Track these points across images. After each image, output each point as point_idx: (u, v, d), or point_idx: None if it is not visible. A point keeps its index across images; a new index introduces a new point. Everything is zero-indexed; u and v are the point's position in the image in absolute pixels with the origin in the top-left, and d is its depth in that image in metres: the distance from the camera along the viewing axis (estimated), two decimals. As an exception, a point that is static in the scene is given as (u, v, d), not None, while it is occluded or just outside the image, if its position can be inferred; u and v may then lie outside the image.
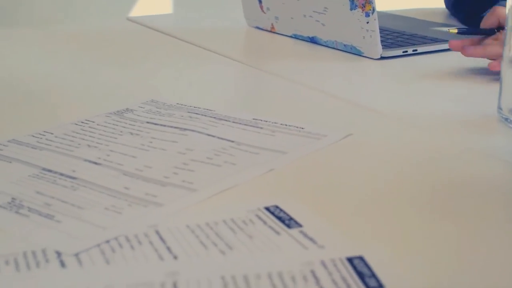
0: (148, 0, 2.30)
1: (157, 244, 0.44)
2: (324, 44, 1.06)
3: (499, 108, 0.69)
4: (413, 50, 0.99)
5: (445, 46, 1.01)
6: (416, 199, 0.52)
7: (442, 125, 0.69)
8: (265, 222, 0.47)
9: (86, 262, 0.42)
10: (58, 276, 0.40)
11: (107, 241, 0.44)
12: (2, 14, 2.08)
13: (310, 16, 1.06)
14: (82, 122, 0.68)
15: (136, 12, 2.25)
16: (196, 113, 0.70)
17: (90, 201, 0.50)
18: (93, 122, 0.68)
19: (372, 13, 0.94)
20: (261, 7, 1.17)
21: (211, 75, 0.92)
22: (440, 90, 0.83)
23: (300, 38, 1.11)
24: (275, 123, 0.68)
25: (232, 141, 0.63)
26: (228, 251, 0.43)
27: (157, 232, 0.45)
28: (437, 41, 1.02)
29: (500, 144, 0.65)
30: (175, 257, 0.42)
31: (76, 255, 0.42)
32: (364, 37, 0.96)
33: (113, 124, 0.67)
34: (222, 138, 0.63)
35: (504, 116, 0.68)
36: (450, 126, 0.69)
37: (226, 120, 0.68)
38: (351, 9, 0.97)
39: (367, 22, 0.95)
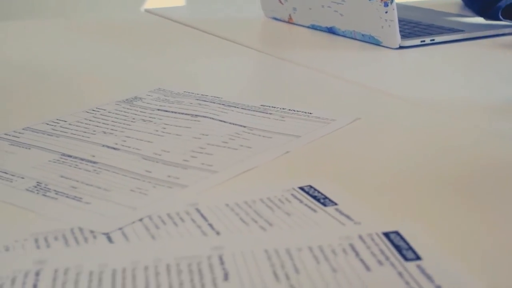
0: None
1: (199, 221, 0.46)
2: (342, 34, 1.07)
3: (521, 94, 0.70)
4: (431, 40, 1.00)
5: (462, 35, 1.02)
6: (441, 179, 0.54)
7: (463, 111, 0.70)
8: (301, 201, 0.49)
9: (132, 237, 0.43)
10: (107, 250, 0.42)
11: (150, 218, 0.46)
12: (26, 6, 2.10)
13: (329, 7, 1.07)
14: (93, 110, 0.69)
15: (149, 4, 2.26)
16: (205, 100, 0.72)
17: (115, 183, 0.52)
18: (104, 110, 0.70)
19: (391, 3, 0.95)
20: (279, -2, 1.19)
21: (229, 63, 0.94)
22: (460, 78, 0.85)
23: (318, 28, 1.13)
24: (283, 109, 0.69)
25: (244, 126, 0.64)
26: (268, 227, 0.45)
27: (198, 210, 0.47)
28: (454, 31, 1.04)
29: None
30: (218, 233, 0.44)
31: (120, 229, 0.44)
32: (382, 26, 0.98)
33: (124, 112, 0.69)
34: (234, 124, 0.65)
35: (525, 102, 0.70)
36: (471, 112, 0.70)
37: (235, 107, 0.70)
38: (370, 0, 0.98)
39: (386, 12, 0.96)
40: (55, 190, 0.51)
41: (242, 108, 0.70)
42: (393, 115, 0.70)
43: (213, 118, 0.66)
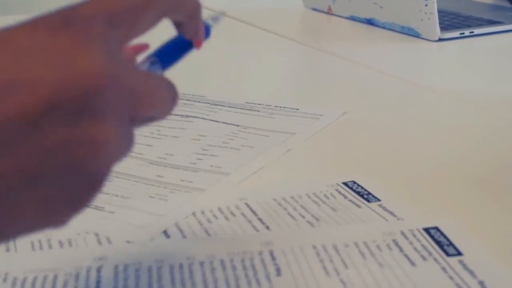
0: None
1: (249, 216, 0.48)
2: (382, 25, 1.08)
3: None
4: (470, 32, 1.01)
5: (501, 27, 1.03)
6: (477, 174, 0.55)
7: (500, 105, 0.71)
8: (345, 196, 0.51)
9: (188, 233, 0.46)
10: (164, 246, 0.45)
11: (203, 213, 0.48)
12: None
13: (368, -1, 1.08)
14: None
15: None
16: (188, 100, 0.72)
17: (131, 190, 0.52)
18: None
19: (431, -5, 0.96)
20: (318, -10, 1.20)
21: (268, 54, 0.96)
22: (498, 71, 0.85)
23: (357, 19, 1.14)
24: (269, 105, 0.70)
25: (238, 125, 0.65)
26: (316, 222, 0.47)
27: (248, 205, 0.50)
28: (492, 23, 1.04)
29: None
30: (268, 228, 0.46)
31: (177, 226, 0.47)
32: (422, 19, 0.99)
33: None
34: (227, 123, 0.66)
35: None
36: (509, 106, 0.71)
37: (221, 105, 0.70)
38: (409, -8, 0.99)
39: (426, 5, 0.97)
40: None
41: (229, 107, 0.70)
42: (431, 110, 0.72)
43: (204, 118, 0.67)
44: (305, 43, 1.03)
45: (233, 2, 1.40)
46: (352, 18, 1.15)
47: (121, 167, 0.53)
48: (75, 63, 0.27)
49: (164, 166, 0.56)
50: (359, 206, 0.49)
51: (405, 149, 0.61)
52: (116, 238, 0.45)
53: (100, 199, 0.49)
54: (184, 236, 0.46)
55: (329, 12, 1.21)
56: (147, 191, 0.52)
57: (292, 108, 0.69)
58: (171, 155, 0.58)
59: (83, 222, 0.45)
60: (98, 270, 0.41)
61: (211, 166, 0.56)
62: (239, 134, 0.63)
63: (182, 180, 0.54)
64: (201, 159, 0.58)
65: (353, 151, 0.61)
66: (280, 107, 0.70)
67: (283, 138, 0.63)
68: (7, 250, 0.44)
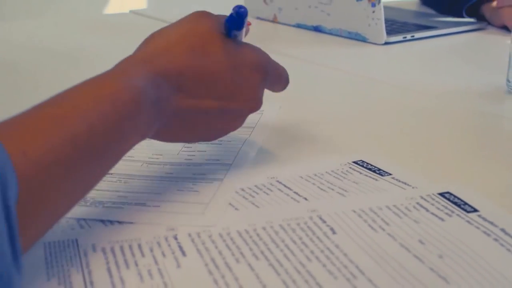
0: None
1: (285, 190, 0.54)
2: (329, 32, 1.17)
3: (508, 80, 0.82)
4: (411, 36, 1.11)
5: (436, 32, 1.14)
6: (463, 145, 0.64)
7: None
8: (360, 172, 0.58)
9: (239, 206, 0.52)
10: (229, 216, 0.50)
11: (243, 190, 0.54)
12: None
13: (316, 7, 1.17)
14: None
15: (110, 8, 2.31)
16: None
17: (157, 188, 0.54)
18: None
19: (378, 3, 1.06)
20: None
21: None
22: (436, 67, 0.96)
23: (303, 27, 1.22)
24: None
25: None
26: (345, 193, 0.54)
27: (279, 182, 0.56)
28: (428, 28, 1.16)
29: (506, 108, 0.78)
30: (306, 199, 0.53)
31: (230, 204, 0.52)
32: (369, 24, 1.08)
33: None
34: None
35: (511, 88, 0.81)
36: (461, 95, 0.81)
37: None
38: (357, 0, 1.08)
39: (373, 11, 1.07)
40: (112, 202, 0.52)
41: None
42: (379, 96, 0.81)
43: None
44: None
45: (175, 11, 1.45)
46: (299, 26, 1.23)
47: (128, 169, 0.58)
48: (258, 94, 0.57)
49: (165, 165, 0.59)
50: (376, 179, 0.56)
51: (383, 131, 0.69)
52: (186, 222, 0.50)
53: (132, 197, 0.53)
54: (236, 209, 0.51)
55: (274, 21, 1.29)
56: (173, 187, 0.55)
57: None
58: (161, 155, 0.62)
59: (140, 215, 0.50)
60: (175, 237, 0.47)
61: (207, 160, 0.60)
62: None
63: (194, 174, 0.57)
64: (193, 155, 0.61)
65: (331, 135, 0.69)
66: None
67: (248, 131, 0.68)
68: (90, 227, 0.48)
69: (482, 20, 1.24)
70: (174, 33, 0.53)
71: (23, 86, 0.89)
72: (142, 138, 0.49)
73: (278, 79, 0.60)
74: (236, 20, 0.54)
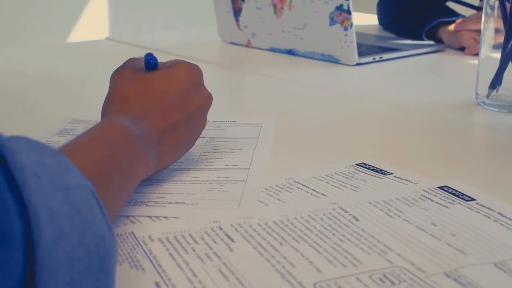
0: (84, 26, 2.41)
1: (304, 188, 0.61)
2: (302, 55, 1.25)
3: (476, 93, 0.91)
4: (380, 57, 1.20)
5: (402, 53, 1.24)
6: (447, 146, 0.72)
7: (428, 107, 0.90)
8: (365, 173, 0.65)
9: (267, 202, 0.58)
10: (262, 210, 0.56)
11: (266, 189, 0.61)
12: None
13: (289, 32, 1.25)
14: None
15: (73, 37, 2.35)
16: None
17: (187, 189, 0.60)
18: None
19: (350, 27, 1.14)
20: (238, 25, 1.36)
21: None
22: (401, 84, 1.06)
23: (277, 50, 1.30)
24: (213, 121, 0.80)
25: (204, 137, 0.74)
26: (357, 189, 0.61)
27: (297, 182, 0.63)
28: (394, 50, 1.25)
29: (477, 117, 0.88)
30: (324, 195, 0.60)
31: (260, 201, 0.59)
32: (342, 47, 1.17)
33: None
34: (203, 137, 0.73)
35: (480, 100, 0.90)
36: (435, 107, 0.90)
37: None
38: (330, 25, 1.17)
39: (346, 35, 1.15)
40: (153, 201, 0.57)
41: None
42: (365, 110, 0.89)
43: None
44: (229, 66, 1.17)
45: (154, 37, 1.52)
46: (272, 50, 1.31)
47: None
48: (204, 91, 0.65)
49: (175, 170, 0.65)
50: (380, 178, 0.64)
51: (365, 139, 0.77)
52: (225, 219, 0.56)
53: (169, 198, 0.59)
54: (266, 204, 0.58)
55: (248, 45, 1.36)
56: (202, 189, 0.61)
57: (229, 121, 0.81)
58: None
59: (179, 210, 0.59)
60: (220, 227, 0.53)
61: (226, 165, 0.67)
62: (214, 142, 0.74)
63: (218, 177, 0.63)
64: (211, 162, 0.68)
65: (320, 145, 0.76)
66: (218, 121, 0.81)
67: (253, 142, 0.74)
68: (140, 222, 0.54)
69: (440, 42, 1.34)
70: (117, 87, 0.62)
71: (14, 111, 0.94)
72: (145, 169, 0.56)
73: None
74: (150, 67, 0.64)
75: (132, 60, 0.66)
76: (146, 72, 0.63)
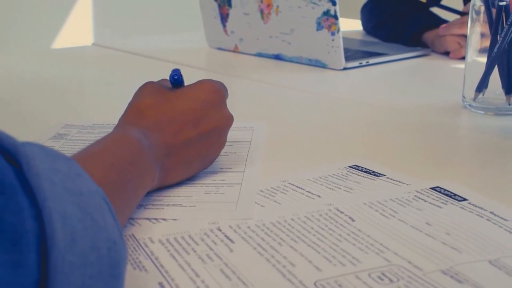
0: (69, 32, 2.40)
1: (299, 190, 0.62)
2: (289, 59, 1.26)
3: (463, 96, 0.93)
4: (366, 62, 1.22)
5: (388, 58, 1.25)
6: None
7: (416, 110, 0.92)
8: (358, 174, 0.66)
9: (264, 203, 0.59)
10: (259, 211, 0.57)
11: (262, 191, 0.62)
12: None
13: (276, 37, 1.26)
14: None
15: (57, 44, 2.35)
16: None
17: (182, 192, 0.61)
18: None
19: (337, 32, 1.16)
20: (225, 31, 1.36)
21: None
22: (387, 88, 1.07)
23: (264, 56, 1.31)
24: None
25: None
26: (351, 190, 0.62)
27: (292, 184, 0.64)
28: (380, 55, 1.27)
29: (464, 120, 0.89)
30: (319, 196, 0.61)
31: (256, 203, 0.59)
32: (329, 52, 1.18)
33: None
34: None
35: (467, 103, 0.92)
36: (423, 110, 0.92)
37: None
38: (317, 30, 1.18)
39: (333, 40, 1.17)
40: (151, 204, 0.58)
41: None
42: (353, 113, 0.90)
43: None
44: (217, 71, 1.18)
45: (141, 43, 1.52)
46: (259, 55, 1.32)
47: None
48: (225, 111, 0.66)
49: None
50: (373, 179, 0.65)
51: (351, 141, 0.79)
52: (225, 219, 0.57)
53: (168, 200, 0.60)
54: (262, 206, 0.59)
55: (235, 51, 1.37)
56: (199, 191, 0.61)
57: None
58: None
59: (179, 212, 0.61)
60: (219, 229, 0.54)
61: (221, 168, 0.68)
62: None
63: (214, 180, 0.64)
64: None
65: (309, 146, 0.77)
66: None
67: (247, 145, 0.75)
68: (140, 224, 0.54)
69: (425, 47, 1.36)
70: (135, 100, 0.63)
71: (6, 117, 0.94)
72: (152, 181, 0.57)
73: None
74: (174, 83, 0.65)
75: (162, 79, 0.67)
76: (169, 89, 0.64)
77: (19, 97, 1.04)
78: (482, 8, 0.87)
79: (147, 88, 0.64)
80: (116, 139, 0.56)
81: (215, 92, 0.65)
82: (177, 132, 0.61)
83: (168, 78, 0.66)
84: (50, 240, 0.33)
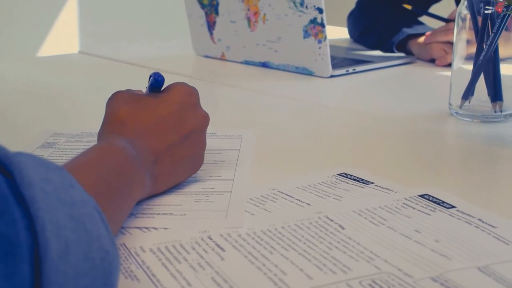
0: (55, 40, 2.39)
1: (289, 198, 0.62)
2: (276, 67, 1.27)
3: (450, 104, 0.93)
4: (353, 69, 1.23)
5: (374, 65, 1.26)
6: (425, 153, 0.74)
7: (402, 117, 0.92)
8: (347, 182, 0.67)
9: (254, 212, 0.59)
10: (253, 221, 0.57)
11: (252, 199, 0.62)
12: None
13: (263, 45, 1.27)
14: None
15: (43, 52, 2.34)
16: None
17: (173, 200, 0.61)
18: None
19: (324, 40, 1.17)
20: (212, 38, 1.37)
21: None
22: (374, 95, 1.08)
23: (251, 63, 1.32)
24: None
25: None
26: (340, 198, 0.62)
27: (281, 192, 0.64)
28: (366, 62, 1.28)
29: (451, 127, 0.90)
30: (309, 204, 0.61)
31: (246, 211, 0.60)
32: (316, 60, 1.19)
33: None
34: None
35: (453, 111, 0.93)
36: (410, 118, 0.92)
37: None
38: (304, 38, 1.19)
39: (320, 48, 1.17)
40: (142, 213, 0.58)
41: None
42: (340, 121, 0.91)
43: None
44: (204, 79, 1.19)
45: (127, 51, 1.52)
46: (246, 63, 1.33)
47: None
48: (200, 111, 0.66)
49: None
50: (362, 187, 0.65)
51: (340, 149, 0.79)
52: (214, 228, 0.57)
53: (157, 209, 0.60)
54: (252, 214, 0.59)
55: (222, 59, 1.37)
56: (189, 200, 0.62)
57: (211, 133, 0.77)
58: None
59: (170, 221, 0.61)
60: (210, 237, 0.54)
61: (211, 176, 0.68)
62: (207, 154, 0.71)
63: (204, 188, 0.65)
64: (203, 170, 0.69)
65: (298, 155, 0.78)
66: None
67: (235, 153, 0.76)
68: (131, 233, 0.54)
69: (411, 54, 1.37)
70: (111, 110, 0.63)
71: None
72: (142, 190, 0.58)
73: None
74: (156, 86, 0.65)
75: (127, 89, 0.67)
76: (141, 95, 0.64)
77: (5, 105, 1.04)
78: (468, 16, 0.88)
79: (120, 97, 0.63)
80: (102, 149, 0.56)
81: (190, 94, 0.66)
82: (161, 138, 0.61)
83: (131, 88, 0.67)
84: (43, 250, 0.33)
